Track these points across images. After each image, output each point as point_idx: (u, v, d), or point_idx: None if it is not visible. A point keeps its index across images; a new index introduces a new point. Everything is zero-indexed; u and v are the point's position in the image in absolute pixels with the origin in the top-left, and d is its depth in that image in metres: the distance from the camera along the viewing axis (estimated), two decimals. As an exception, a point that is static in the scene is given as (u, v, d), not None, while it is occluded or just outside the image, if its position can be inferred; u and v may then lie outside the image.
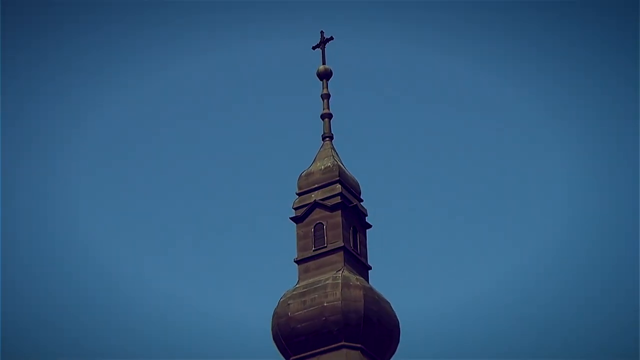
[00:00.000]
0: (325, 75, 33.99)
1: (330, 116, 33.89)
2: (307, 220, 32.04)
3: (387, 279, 33.97)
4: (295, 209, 32.35)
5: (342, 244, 31.19)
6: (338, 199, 31.81)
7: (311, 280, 30.78)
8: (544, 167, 71.82)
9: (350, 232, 31.99)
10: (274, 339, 30.43)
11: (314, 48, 34.63)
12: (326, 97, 33.91)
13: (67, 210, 65.63)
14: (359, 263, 31.88)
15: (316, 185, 32.37)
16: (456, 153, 70.92)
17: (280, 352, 30.43)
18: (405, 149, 69.68)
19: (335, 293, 29.82)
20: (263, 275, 63.99)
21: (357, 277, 30.92)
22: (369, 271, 32.24)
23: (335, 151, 33.35)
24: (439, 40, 70.68)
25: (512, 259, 68.16)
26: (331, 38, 34.50)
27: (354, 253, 31.77)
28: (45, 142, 71.12)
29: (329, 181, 32.28)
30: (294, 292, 30.70)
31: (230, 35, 71.80)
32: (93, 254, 61.87)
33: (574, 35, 71.93)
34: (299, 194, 32.60)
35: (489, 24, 72.47)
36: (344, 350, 29.46)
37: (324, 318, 29.61)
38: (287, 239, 32.89)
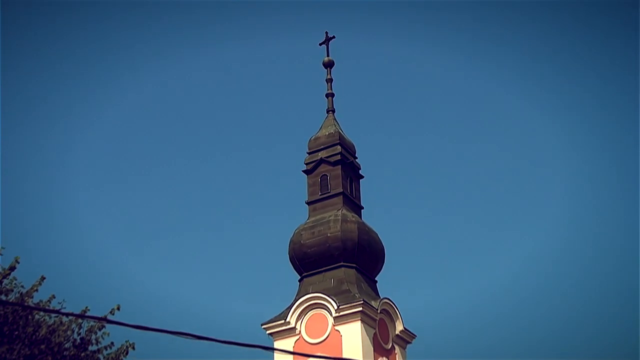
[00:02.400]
0: (329, 65, 33.82)
1: (332, 95, 33.76)
2: (315, 172, 31.98)
3: (375, 215, 34.02)
4: (306, 164, 32.31)
5: (342, 190, 31.28)
6: (338, 157, 31.80)
7: (318, 217, 30.87)
8: (543, 163, 65.34)
9: (348, 181, 32.02)
10: (290, 260, 30.64)
11: (320, 44, 34.34)
12: (330, 81, 33.76)
13: (67, 209, 60.18)
14: (354, 204, 31.91)
15: (322, 147, 32.30)
16: (436, 120, 70.84)
17: (295, 270, 30.61)
18: (390, 120, 69.98)
19: (336, 226, 30.05)
20: (282, 213, 64.68)
21: (353, 214, 31.06)
22: (362, 210, 32.25)
23: (336, 121, 33.22)
24: (422, 34, 69.82)
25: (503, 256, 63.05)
26: (333, 37, 34.27)
27: (350, 197, 31.81)
28: (45, 141, 65.64)
29: (332, 143, 32.23)
30: (305, 226, 30.86)
31: (255, 35, 71.74)
32: (99, 256, 57.20)
33: (576, 36, 65.36)
34: (309, 153, 32.54)
35: (486, 23, 69.76)
36: (343, 269, 29.67)
37: (327, 245, 29.83)
38: (300, 187, 32.81)
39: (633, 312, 46.31)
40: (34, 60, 65.77)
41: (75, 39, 68.50)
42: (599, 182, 61.23)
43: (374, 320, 28.50)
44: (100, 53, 69.99)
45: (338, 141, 32.23)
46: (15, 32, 62.79)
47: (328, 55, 33.94)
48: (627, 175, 56.23)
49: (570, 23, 66.15)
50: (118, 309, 15.49)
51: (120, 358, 15.76)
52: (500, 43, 68.72)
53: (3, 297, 15.28)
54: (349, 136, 33.27)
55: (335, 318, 28.10)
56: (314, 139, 32.83)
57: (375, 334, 28.52)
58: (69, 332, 15.46)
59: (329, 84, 33.79)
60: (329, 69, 33.84)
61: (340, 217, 30.29)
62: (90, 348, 15.71)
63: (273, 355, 28.38)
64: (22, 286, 15.69)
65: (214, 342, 9.48)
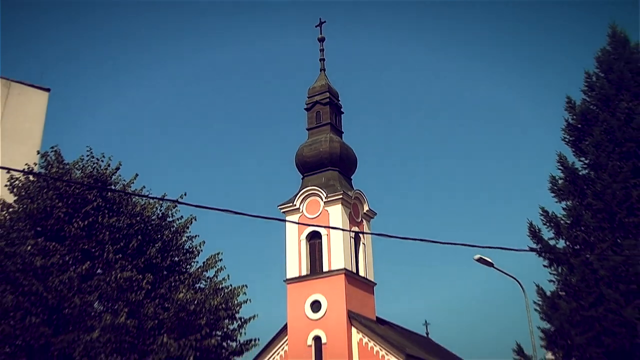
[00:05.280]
0: (321, 40, 34.21)
1: (324, 60, 34.30)
2: (312, 110, 32.81)
3: (351, 137, 35.26)
4: (306, 104, 33.04)
5: (329, 121, 32.19)
6: (327, 100, 32.60)
7: (314, 138, 31.79)
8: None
9: (333, 115, 32.90)
10: (296, 166, 31.68)
11: (315, 26, 34.72)
12: (322, 50, 34.27)
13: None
14: (337, 130, 32.80)
15: (317, 93, 32.99)
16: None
17: (299, 172, 31.56)
18: (363, 75, 70.77)
19: (326, 144, 31.04)
20: (291, 136, 66.44)
21: (337, 137, 32.03)
22: (343, 134, 33.11)
23: (326, 77, 33.80)
24: (398, 19, 69.56)
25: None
26: (325, 21, 34.69)
27: (335, 125, 32.71)
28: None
29: (323, 91, 32.93)
30: (305, 144, 31.77)
31: (273, 22, 72.02)
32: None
33: (577, 36, 61.76)
34: (308, 97, 33.21)
35: (482, 20, 68.53)
36: (330, 171, 30.77)
37: (320, 156, 30.89)
38: (302, 119, 33.54)
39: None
40: (35, 57, 62.61)
41: (74, 38, 66.62)
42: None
43: (350, 203, 29.64)
44: (100, 53, 67.98)
45: (327, 90, 32.93)
46: (15, 32, 59.53)
47: (321, 34, 34.31)
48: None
49: (571, 23, 62.80)
50: (185, 194, 15.36)
51: (187, 226, 15.85)
52: (498, 41, 66.24)
53: (113, 187, 15.49)
54: (335, 86, 34.00)
55: (325, 202, 29.20)
56: (311, 88, 33.45)
57: (350, 212, 29.58)
58: (154, 209, 15.64)
59: (322, 52, 34.29)
60: (321, 42, 34.25)
61: (328, 139, 31.22)
62: (168, 219, 15.84)
63: (285, 225, 29.21)
64: (124, 180, 15.78)
65: (247, 217, 9.90)
